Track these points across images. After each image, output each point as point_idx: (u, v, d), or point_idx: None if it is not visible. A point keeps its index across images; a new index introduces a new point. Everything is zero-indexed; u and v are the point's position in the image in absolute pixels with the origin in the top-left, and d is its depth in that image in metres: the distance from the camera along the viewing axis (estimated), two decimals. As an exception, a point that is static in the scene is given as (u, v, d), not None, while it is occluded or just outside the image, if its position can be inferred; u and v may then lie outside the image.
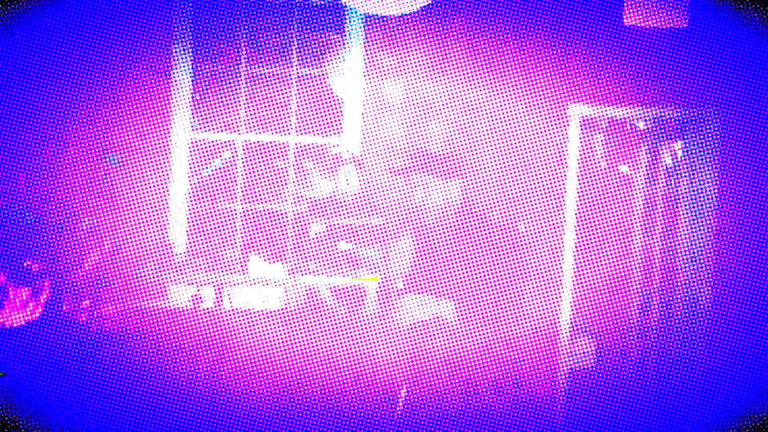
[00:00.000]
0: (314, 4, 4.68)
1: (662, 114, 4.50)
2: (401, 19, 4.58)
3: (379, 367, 2.65)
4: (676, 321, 4.70)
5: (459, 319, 2.73)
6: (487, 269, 2.77)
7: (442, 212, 2.89)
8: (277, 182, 4.74)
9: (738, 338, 4.44)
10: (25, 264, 3.58)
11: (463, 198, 2.70)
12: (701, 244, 4.46)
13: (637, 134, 4.91)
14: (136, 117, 4.49)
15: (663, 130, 4.85)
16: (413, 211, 2.79)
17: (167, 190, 4.56)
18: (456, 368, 2.70)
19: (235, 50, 4.68)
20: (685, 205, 4.65)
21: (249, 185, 4.70)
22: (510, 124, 4.68)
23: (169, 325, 4.47)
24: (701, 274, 4.45)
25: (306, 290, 4.42)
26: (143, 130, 4.50)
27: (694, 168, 4.60)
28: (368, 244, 2.68)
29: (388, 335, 2.68)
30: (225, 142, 4.76)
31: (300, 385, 4.01)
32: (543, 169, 4.65)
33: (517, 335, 4.47)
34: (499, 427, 4.06)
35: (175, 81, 4.57)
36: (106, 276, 4.18)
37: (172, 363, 4.34)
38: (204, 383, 4.22)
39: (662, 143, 4.89)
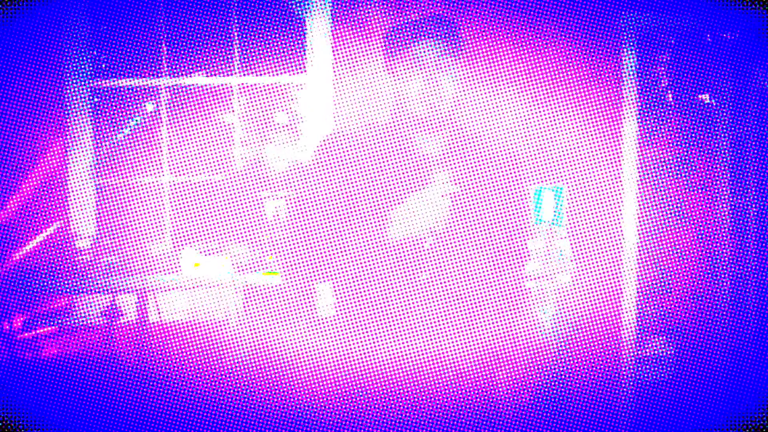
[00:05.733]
0: None
1: (756, 19, 3.27)
2: None
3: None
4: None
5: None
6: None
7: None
8: (218, 143, 3.42)
9: None
10: None
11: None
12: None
13: (721, 50, 3.57)
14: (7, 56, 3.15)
15: (759, 43, 3.52)
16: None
17: (65, 161, 3.24)
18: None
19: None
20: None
21: (179, 150, 3.37)
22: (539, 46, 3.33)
23: (75, 351, 3.22)
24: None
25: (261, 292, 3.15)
26: (20, 74, 3.17)
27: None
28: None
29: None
30: (144, 91, 3.43)
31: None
32: (588, 106, 3.33)
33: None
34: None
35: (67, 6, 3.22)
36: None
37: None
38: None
39: (757, 61, 3.54)
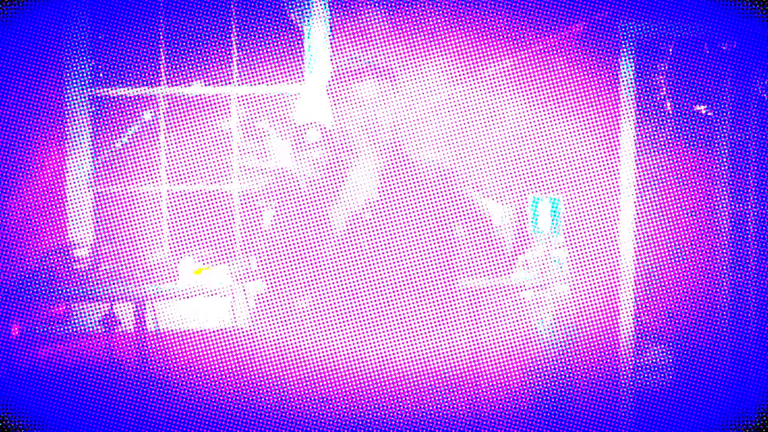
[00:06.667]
0: None
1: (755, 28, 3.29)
2: None
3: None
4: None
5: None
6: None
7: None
8: (217, 152, 3.43)
9: None
10: None
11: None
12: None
13: (719, 59, 3.56)
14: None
15: (757, 53, 3.51)
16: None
17: (64, 169, 3.25)
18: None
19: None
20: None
21: (177, 159, 3.38)
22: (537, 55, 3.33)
23: (72, 359, 3.23)
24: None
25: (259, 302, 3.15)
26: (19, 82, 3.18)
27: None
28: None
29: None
30: (143, 100, 3.44)
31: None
32: (585, 115, 3.33)
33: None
34: None
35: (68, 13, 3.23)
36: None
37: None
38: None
39: (756, 71, 3.53)
